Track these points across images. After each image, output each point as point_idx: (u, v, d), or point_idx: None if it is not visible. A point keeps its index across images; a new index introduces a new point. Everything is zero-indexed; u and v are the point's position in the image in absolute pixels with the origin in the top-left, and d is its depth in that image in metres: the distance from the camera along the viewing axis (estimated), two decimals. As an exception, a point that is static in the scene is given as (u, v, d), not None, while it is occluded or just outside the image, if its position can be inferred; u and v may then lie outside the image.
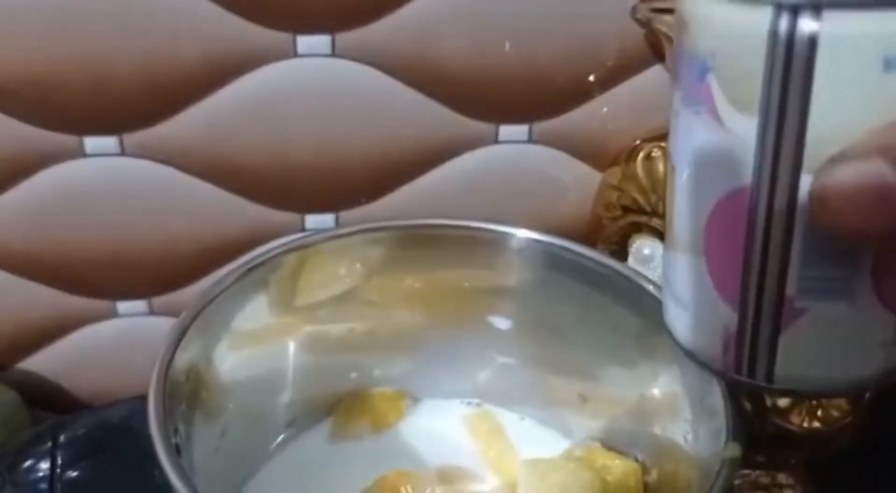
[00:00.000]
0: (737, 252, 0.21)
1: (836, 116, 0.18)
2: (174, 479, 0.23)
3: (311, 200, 0.42)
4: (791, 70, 0.18)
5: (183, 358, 0.29)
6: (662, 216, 0.38)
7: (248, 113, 0.39)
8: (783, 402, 0.41)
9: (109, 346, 0.44)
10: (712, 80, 0.20)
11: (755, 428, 0.37)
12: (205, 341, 0.31)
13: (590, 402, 0.35)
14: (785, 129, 0.19)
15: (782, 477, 0.44)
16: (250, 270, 0.31)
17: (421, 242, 0.35)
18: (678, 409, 0.31)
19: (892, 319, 0.21)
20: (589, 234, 0.44)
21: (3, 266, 0.41)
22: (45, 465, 0.26)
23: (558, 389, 0.35)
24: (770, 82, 0.19)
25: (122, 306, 0.43)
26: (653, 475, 0.32)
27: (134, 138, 0.39)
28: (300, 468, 0.34)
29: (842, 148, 0.18)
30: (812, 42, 0.18)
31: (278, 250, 0.32)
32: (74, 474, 0.26)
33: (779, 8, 0.18)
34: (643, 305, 0.32)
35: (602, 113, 0.42)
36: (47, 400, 0.44)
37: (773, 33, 0.18)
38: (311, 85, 0.39)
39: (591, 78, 0.41)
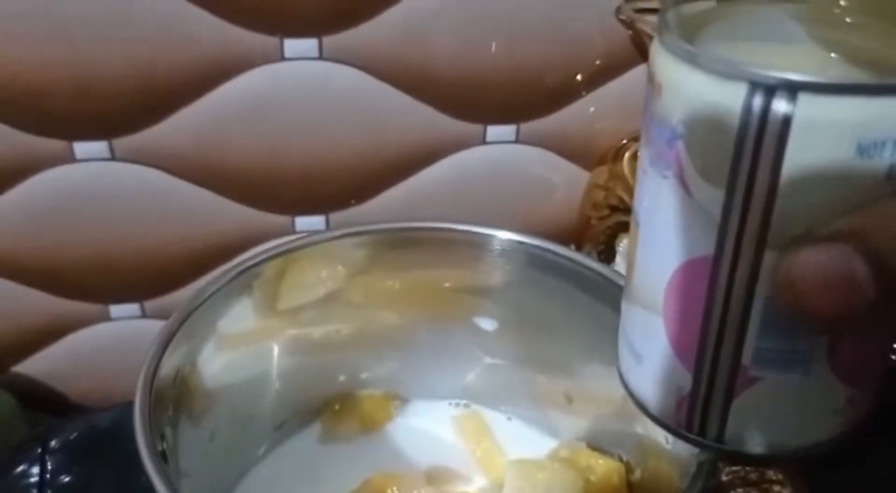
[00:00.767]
0: (695, 318, 0.21)
1: (805, 197, 0.18)
2: (159, 486, 0.24)
3: (300, 203, 0.42)
4: (762, 148, 0.18)
5: (169, 364, 0.29)
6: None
7: (237, 117, 0.39)
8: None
9: (103, 349, 0.44)
10: (681, 148, 0.19)
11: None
12: (190, 348, 0.31)
13: (575, 402, 0.35)
14: (752, 204, 0.19)
15: (771, 473, 0.44)
16: (235, 276, 0.31)
17: (405, 245, 0.35)
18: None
19: (844, 389, 0.21)
20: (577, 233, 0.44)
21: (-3, 271, 0.41)
22: (35, 470, 0.27)
23: (544, 389, 0.36)
24: (740, 157, 0.18)
25: (115, 309, 0.44)
26: (637, 474, 0.32)
27: (124, 143, 0.39)
28: (290, 470, 0.34)
29: (807, 228, 0.18)
30: (786, 123, 0.18)
31: (263, 257, 0.32)
32: (65, 478, 0.27)
33: (754, 86, 0.18)
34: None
35: (589, 113, 0.43)
36: (42, 403, 0.44)
37: (747, 110, 0.18)
38: (299, 88, 0.39)
39: (578, 77, 0.42)
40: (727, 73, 0.18)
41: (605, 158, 0.43)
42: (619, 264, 0.41)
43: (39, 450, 0.27)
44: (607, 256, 0.42)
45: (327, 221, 0.43)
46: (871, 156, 0.17)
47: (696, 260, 0.20)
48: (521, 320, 0.35)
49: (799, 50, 0.20)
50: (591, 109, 0.43)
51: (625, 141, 0.42)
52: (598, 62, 0.41)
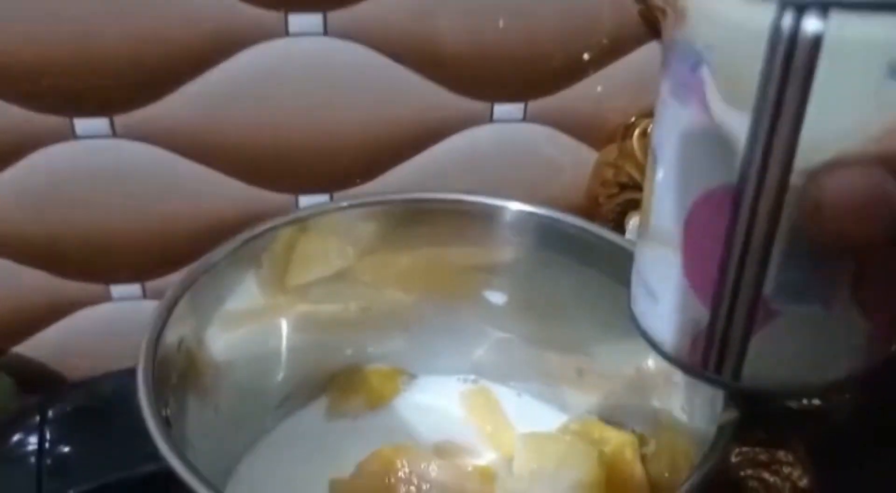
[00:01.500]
0: (715, 250, 0.20)
1: (833, 120, 0.18)
2: (163, 448, 0.23)
3: (305, 181, 0.42)
4: (791, 69, 0.18)
5: (174, 333, 0.28)
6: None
7: (240, 93, 0.39)
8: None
9: (103, 330, 0.44)
10: (706, 73, 0.19)
11: (754, 405, 0.37)
12: (196, 322, 0.31)
13: (586, 376, 0.34)
14: (778, 128, 0.18)
15: (781, 454, 0.43)
16: (242, 245, 0.31)
17: (414, 219, 0.35)
18: (674, 379, 0.30)
19: (866, 324, 0.20)
20: (585, 212, 0.44)
21: (-4, 250, 0.41)
22: (33, 439, 0.26)
23: (555, 363, 0.35)
24: (768, 80, 0.18)
25: (116, 290, 0.43)
26: (650, 447, 0.31)
27: (125, 120, 0.39)
28: (296, 444, 0.34)
29: (836, 152, 0.18)
30: (816, 43, 0.17)
31: (270, 225, 0.32)
32: (64, 447, 0.26)
33: (783, 5, 0.17)
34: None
35: (597, 91, 0.42)
36: (41, 384, 0.43)
37: (776, 30, 0.18)
38: (304, 64, 0.39)
39: (586, 56, 0.41)
40: None
41: (614, 136, 0.42)
42: (629, 242, 0.40)
43: (38, 418, 0.27)
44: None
45: (332, 200, 0.42)
46: None
47: (716, 190, 0.20)
48: (532, 294, 0.35)
49: None
50: (599, 87, 0.42)
51: (634, 118, 0.41)
52: (606, 40, 0.41)
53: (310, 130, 0.40)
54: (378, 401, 0.35)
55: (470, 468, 0.31)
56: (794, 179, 0.18)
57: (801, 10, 0.17)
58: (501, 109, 0.42)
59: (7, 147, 0.38)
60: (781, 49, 0.18)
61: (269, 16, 0.37)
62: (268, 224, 0.32)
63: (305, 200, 0.42)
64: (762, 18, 0.18)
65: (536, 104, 0.42)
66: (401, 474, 0.29)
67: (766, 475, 0.44)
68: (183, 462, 0.22)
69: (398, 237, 0.35)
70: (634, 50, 0.41)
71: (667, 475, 0.30)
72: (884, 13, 0.17)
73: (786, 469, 0.44)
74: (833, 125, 0.18)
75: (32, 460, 0.26)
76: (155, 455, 0.24)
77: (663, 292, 0.22)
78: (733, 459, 0.43)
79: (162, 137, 0.39)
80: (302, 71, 0.39)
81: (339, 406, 0.35)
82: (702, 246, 0.21)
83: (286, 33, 0.38)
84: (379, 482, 0.29)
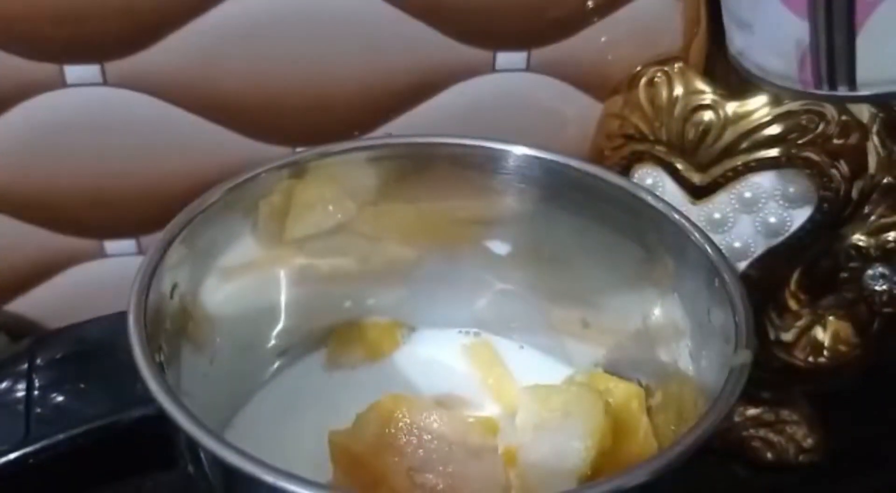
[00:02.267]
0: None
1: None
2: (155, 390, 0.22)
3: (301, 133, 0.41)
4: None
5: (168, 278, 0.28)
6: (666, 143, 0.37)
7: (234, 40, 0.38)
8: (788, 336, 0.40)
9: (98, 286, 0.43)
10: None
11: (760, 363, 0.36)
12: (191, 269, 0.30)
13: (591, 328, 0.34)
14: None
15: (786, 414, 0.43)
16: (238, 186, 0.30)
17: (414, 167, 0.34)
18: (682, 330, 0.30)
19: None
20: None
21: (-15, 204, 0.40)
22: (21, 386, 0.25)
23: (559, 315, 0.34)
24: None
25: (110, 245, 0.42)
26: (657, 398, 0.31)
27: (117, 67, 0.37)
28: (294, 396, 0.33)
29: None
30: None
31: (267, 167, 0.31)
32: (53, 394, 0.25)
33: None
34: (645, 224, 0.30)
35: (601, 40, 0.41)
36: (34, 341, 0.43)
37: None
38: (301, 10, 0.38)
39: (590, 3, 0.40)
40: None
41: (619, 87, 0.41)
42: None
43: (26, 366, 0.26)
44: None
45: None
46: None
47: None
48: (536, 244, 0.34)
49: None
50: (604, 37, 0.41)
51: (639, 68, 0.40)
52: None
53: (306, 79, 0.39)
54: (377, 354, 0.35)
55: (472, 420, 0.30)
56: None
57: None
58: (505, 59, 0.40)
59: (-4, 96, 0.37)
60: None
61: (265, -40, 0.36)
62: (265, 166, 0.31)
63: (303, 153, 0.41)
64: None
65: (541, 53, 0.41)
66: (401, 424, 0.28)
67: (770, 435, 0.43)
68: (175, 403, 0.21)
69: (398, 187, 0.34)
70: (639, -2, 0.40)
71: (673, 427, 0.29)
72: None
73: (790, 429, 0.43)
74: None
75: (21, 407, 0.25)
76: (144, 400, 0.23)
77: (757, 19, 0.21)
78: (737, 419, 0.43)
79: (155, 86, 0.38)
80: (298, 17, 0.38)
81: (337, 359, 0.34)
82: None
83: (281, -22, 0.37)
84: (379, 432, 0.28)
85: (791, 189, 0.35)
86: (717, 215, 0.36)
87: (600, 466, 0.28)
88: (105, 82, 0.38)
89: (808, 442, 0.43)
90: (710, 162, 0.36)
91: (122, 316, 0.25)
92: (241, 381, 0.33)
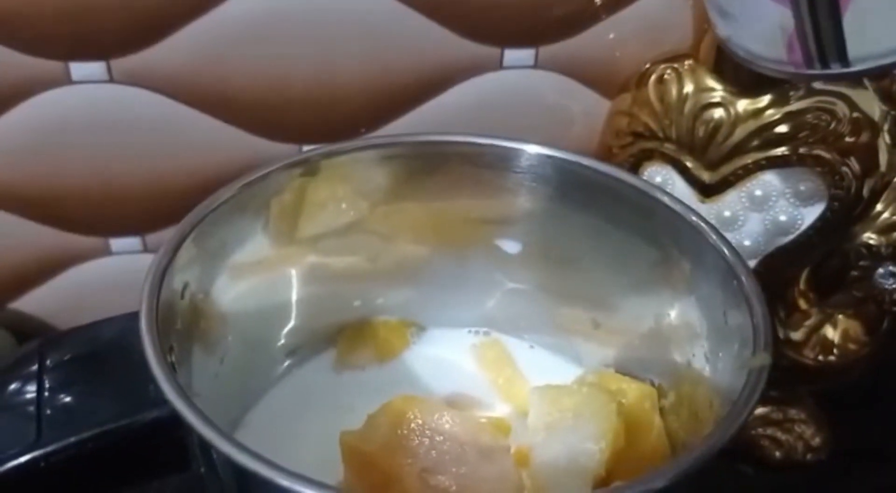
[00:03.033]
0: None
1: None
2: (168, 390, 0.22)
3: (307, 131, 0.40)
4: None
5: (179, 277, 0.27)
6: (675, 141, 0.37)
7: (240, 36, 0.37)
8: (797, 335, 0.40)
9: (104, 284, 0.43)
10: None
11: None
12: (201, 268, 0.29)
13: (602, 328, 0.33)
14: None
15: (794, 412, 0.43)
16: (248, 185, 0.30)
17: (425, 166, 0.33)
18: (697, 331, 0.29)
19: None
20: (598, 163, 0.43)
21: (-10, 202, 0.40)
22: (31, 387, 0.25)
23: (570, 315, 0.34)
24: None
25: (116, 243, 0.42)
26: (669, 399, 0.30)
27: (122, 64, 0.37)
28: (304, 395, 0.33)
29: None
30: None
31: (278, 165, 0.30)
32: (62, 394, 0.25)
33: None
34: (660, 225, 0.30)
35: (610, 37, 0.41)
36: (39, 340, 0.43)
37: None
38: (308, 7, 0.37)
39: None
40: None
41: (628, 84, 0.41)
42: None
43: (36, 367, 0.25)
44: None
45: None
46: None
47: None
48: (547, 243, 0.33)
49: None
50: (612, 34, 0.41)
51: (648, 65, 0.40)
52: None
53: (312, 76, 0.39)
54: (387, 353, 0.34)
55: (484, 420, 0.30)
56: None
57: None
58: (512, 56, 0.40)
59: (0, 93, 0.37)
60: None
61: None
62: (276, 165, 0.30)
63: (309, 151, 0.41)
64: None
65: (549, 50, 0.40)
66: (413, 425, 0.28)
67: (778, 434, 0.43)
68: (189, 405, 0.21)
69: (410, 185, 0.33)
70: (648, -6, 0.40)
71: (687, 427, 0.29)
72: None
73: (798, 428, 0.43)
74: None
75: (31, 408, 0.25)
76: (156, 402, 0.23)
77: (737, 7, 0.21)
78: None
79: (160, 83, 0.38)
80: (307, 15, 0.38)
81: (347, 359, 0.34)
82: None
83: (286, -25, 0.36)
84: (391, 433, 0.28)
85: (801, 187, 0.35)
86: (726, 214, 0.36)
87: (613, 466, 0.28)
88: (111, 79, 0.37)
89: (816, 441, 0.43)
90: (720, 160, 0.36)
91: (131, 317, 0.25)
92: (251, 380, 0.32)
